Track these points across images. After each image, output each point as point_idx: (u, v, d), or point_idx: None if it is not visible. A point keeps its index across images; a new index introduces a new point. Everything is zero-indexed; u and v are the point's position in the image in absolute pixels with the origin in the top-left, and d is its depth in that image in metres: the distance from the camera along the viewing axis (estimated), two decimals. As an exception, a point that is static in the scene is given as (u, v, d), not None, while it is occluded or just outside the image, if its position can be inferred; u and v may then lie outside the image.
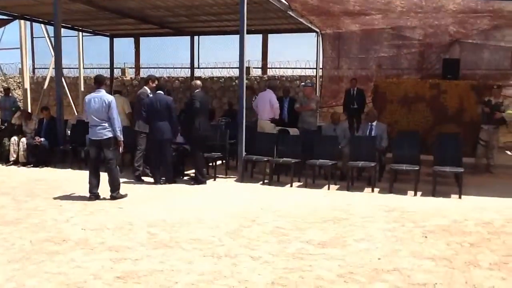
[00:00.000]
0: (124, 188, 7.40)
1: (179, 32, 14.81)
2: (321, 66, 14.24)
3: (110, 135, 6.77)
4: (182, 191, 7.77)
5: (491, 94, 9.60)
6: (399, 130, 10.55)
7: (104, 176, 7.05)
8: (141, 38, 17.61)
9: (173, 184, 8.18)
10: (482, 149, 9.61)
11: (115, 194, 6.94)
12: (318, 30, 13.57)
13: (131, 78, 17.39)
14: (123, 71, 17.46)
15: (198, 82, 8.34)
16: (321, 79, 14.25)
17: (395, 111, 10.97)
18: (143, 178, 8.50)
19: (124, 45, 17.95)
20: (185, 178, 8.83)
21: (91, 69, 17.78)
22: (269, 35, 15.61)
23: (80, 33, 16.06)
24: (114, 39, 16.16)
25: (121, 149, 6.99)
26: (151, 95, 8.35)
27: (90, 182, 6.96)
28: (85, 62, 17.94)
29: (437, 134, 9.93)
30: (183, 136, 8.55)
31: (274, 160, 8.50)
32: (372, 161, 8.07)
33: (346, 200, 7.25)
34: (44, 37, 16.11)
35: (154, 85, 8.53)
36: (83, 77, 17.11)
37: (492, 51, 12.45)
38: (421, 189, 7.78)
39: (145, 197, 7.27)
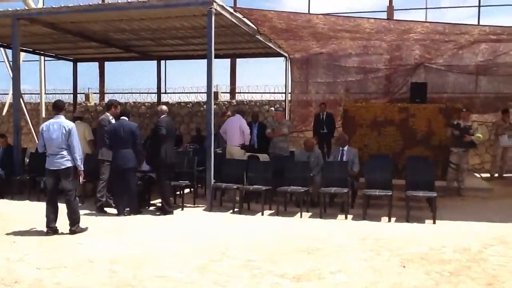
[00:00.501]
0: (85, 221, 6.94)
1: (145, 56, 14.50)
2: (289, 91, 14.16)
3: (69, 164, 6.33)
4: (147, 223, 7.35)
5: (460, 117, 9.64)
6: (370, 154, 10.52)
7: (63, 209, 6.59)
8: (106, 63, 17.18)
9: (138, 215, 7.74)
10: (453, 172, 9.59)
11: (75, 228, 6.47)
12: (286, 55, 13.52)
13: (95, 103, 16.88)
14: (87, 97, 16.95)
15: (164, 107, 8.02)
16: (290, 104, 14.15)
17: (365, 135, 10.95)
18: (106, 209, 8.03)
19: (89, 69, 17.55)
20: (151, 208, 8.42)
21: (54, 95, 17.17)
22: (238, 60, 15.47)
23: (42, 57, 15.51)
24: (78, 63, 15.70)
25: (81, 180, 6.55)
26: (113, 121, 7.98)
27: (47, 216, 6.47)
28: (48, 88, 17.44)
29: (408, 157, 9.92)
30: (149, 164, 8.16)
31: (244, 187, 8.20)
32: (344, 186, 7.88)
33: (319, 228, 7.00)
34: (4, 61, 15.48)
35: (117, 110, 8.16)
36: (45, 103, 16.49)
37: (456, 75, 12.66)
38: (395, 214, 7.62)
39: (108, 230, 6.81)
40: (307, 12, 12.38)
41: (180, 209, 8.31)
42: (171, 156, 7.87)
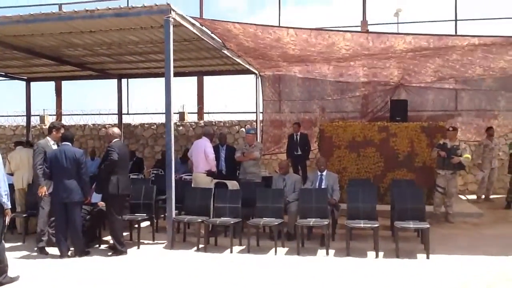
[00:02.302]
0: (18, 266, 5.81)
1: (104, 74, 13.37)
2: (261, 110, 13.25)
3: (-9, 201, 5.20)
4: (94, 267, 6.20)
5: (445, 137, 8.90)
6: (349, 177, 9.67)
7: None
8: (64, 82, 15.97)
9: (85, 257, 6.59)
10: (440, 196, 8.79)
11: (1, 278, 5.30)
12: (257, 72, 12.65)
13: (51, 126, 15.59)
14: (42, 119, 15.64)
15: (116, 130, 6.91)
16: (262, 124, 13.23)
17: (343, 156, 10.13)
18: (50, 249, 6.85)
19: (46, 89, 16.36)
20: (103, 246, 7.24)
21: (6, 117, 15.86)
22: (205, 77, 14.52)
23: (-9, 77, 14.25)
24: (33, 83, 14.44)
25: (7, 219, 5.39)
26: (54, 147, 6.88)
27: (-35, 265, 5.28)
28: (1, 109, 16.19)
29: (391, 181, 9.12)
30: (99, 194, 7.03)
31: (209, 220, 7.15)
32: (324, 217, 6.93)
33: (298, 269, 6.01)
34: None
35: (58, 134, 7.05)
36: (-6, 126, 15.22)
37: (436, 92, 12.03)
38: (382, 247, 6.69)
39: (44, 279, 5.65)
40: (277, 25, 11.46)
41: (136, 247, 7.17)
42: (124, 185, 6.77)
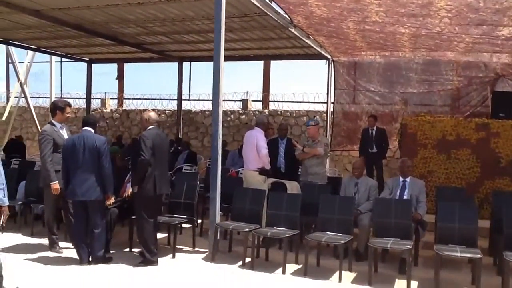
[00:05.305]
0: (27, 273, 4.83)
1: (165, 57, 12.49)
2: (333, 100, 11.70)
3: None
4: (117, 278, 5.12)
5: None
6: (436, 184, 7.99)
7: None
8: (127, 65, 15.39)
9: (108, 264, 5.53)
10: (559, 216, 6.85)
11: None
12: (329, 56, 11.10)
13: (111, 110, 15.03)
14: (103, 102, 15.15)
15: (153, 114, 5.70)
16: (333, 116, 11.69)
17: (430, 158, 8.43)
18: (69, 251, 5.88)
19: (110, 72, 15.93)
20: (134, 250, 6.14)
21: (69, 99, 15.50)
22: (272, 62, 13.19)
23: (53, 57, 13.91)
24: (95, 65, 13.90)
25: (3, 218, 4.38)
26: (63, 131, 5.86)
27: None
28: (65, 91, 15.99)
29: (491, 192, 7.33)
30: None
31: (259, 231, 5.80)
32: (406, 237, 5.37)
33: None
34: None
35: (65, 115, 5.92)
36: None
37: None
38: (482, 281, 4.99)
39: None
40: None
41: (171, 255, 6.00)
42: (162, 184, 5.58)
